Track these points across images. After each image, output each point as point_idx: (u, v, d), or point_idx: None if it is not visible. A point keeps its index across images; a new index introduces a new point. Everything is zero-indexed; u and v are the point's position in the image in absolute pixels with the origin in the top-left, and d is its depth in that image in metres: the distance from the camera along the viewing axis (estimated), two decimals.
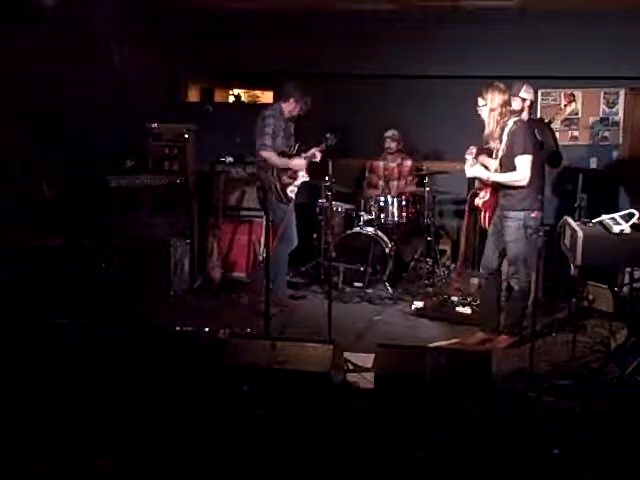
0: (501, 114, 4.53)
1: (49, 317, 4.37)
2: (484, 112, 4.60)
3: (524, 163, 4.44)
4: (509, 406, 3.71)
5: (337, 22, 7.06)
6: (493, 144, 4.72)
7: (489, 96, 4.54)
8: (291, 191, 5.42)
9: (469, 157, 4.72)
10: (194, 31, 7.11)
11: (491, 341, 4.74)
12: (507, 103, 4.59)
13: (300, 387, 3.55)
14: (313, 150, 5.47)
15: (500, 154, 4.59)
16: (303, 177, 5.49)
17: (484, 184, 4.73)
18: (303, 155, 5.46)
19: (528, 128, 4.60)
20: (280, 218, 5.32)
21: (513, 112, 4.64)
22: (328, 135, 5.45)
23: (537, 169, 4.58)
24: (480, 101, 4.63)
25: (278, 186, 5.34)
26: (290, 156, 5.41)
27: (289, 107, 5.43)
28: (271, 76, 7.33)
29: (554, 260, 4.70)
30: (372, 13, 6.97)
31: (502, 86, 4.57)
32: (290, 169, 5.40)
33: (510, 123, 4.53)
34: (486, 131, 4.63)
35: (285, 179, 5.38)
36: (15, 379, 3.74)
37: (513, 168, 4.48)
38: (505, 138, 4.52)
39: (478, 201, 4.81)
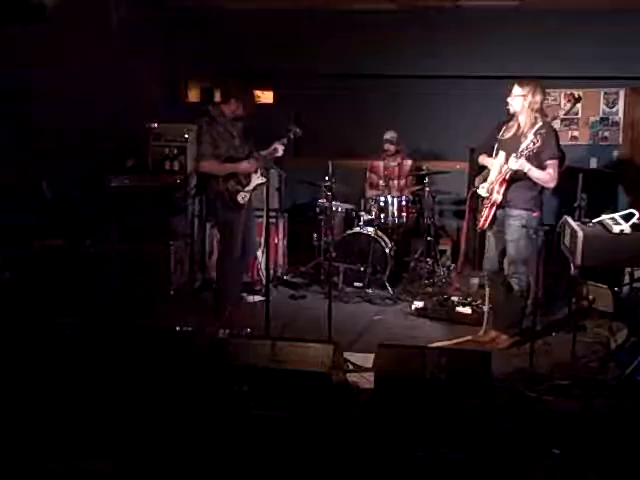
0: (538, 111, 4.43)
1: (49, 317, 4.37)
2: (517, 103, 4.44)
3: (556, 167, 4.38)
4: (509, 406, 3.72)
5: (337, 22, 7.08)
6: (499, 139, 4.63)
7: (531, 89, 4.39)
8: (242, 197, 5.00)
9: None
10: (194, 31, 7.12)
11: (498, 339, 4.75)
12: (542, 104, 4.48)
13: (300, 387, 3.55)
14: (275, 145, 5.11)
15: (525, 152, 4.30)
16: (257, 179, 5.09)
17: (501, 182, 4.50)
18: (263, 153, 5.11)
19: (555, 131, 4.53)
20: (229, 226, 5.03)
21: (544, 113, 4.51)
22: (291, 127, 5.09)
23: None
24: (517, 90, 4.42)
25: (225, 195, 4.97)
26: (238, 160, 5.02)
27: (230, 108, 5.07)
28: (271, 76, 7.34)
29: (554, 260, 4.70)
30: (372, 13, 6.98)
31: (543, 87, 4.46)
32: (239, 174, 5.02)
33: (540, 122, 4.40)
34: (522, 126, 4.45)
35: (233, 185, 4.97)
36: (15, 380, 3.74)
37: (537, 168, 4.36)
38: (531, 136, 4.31)
39: (497, 196, 4.52)
